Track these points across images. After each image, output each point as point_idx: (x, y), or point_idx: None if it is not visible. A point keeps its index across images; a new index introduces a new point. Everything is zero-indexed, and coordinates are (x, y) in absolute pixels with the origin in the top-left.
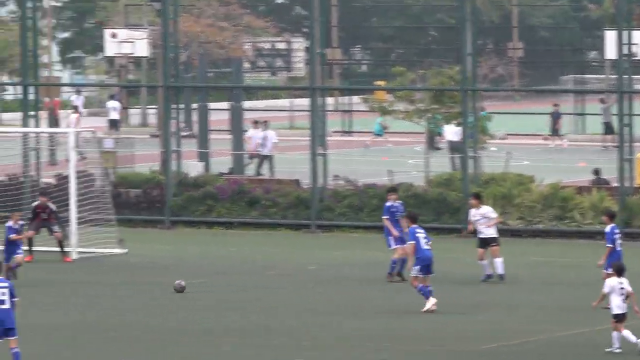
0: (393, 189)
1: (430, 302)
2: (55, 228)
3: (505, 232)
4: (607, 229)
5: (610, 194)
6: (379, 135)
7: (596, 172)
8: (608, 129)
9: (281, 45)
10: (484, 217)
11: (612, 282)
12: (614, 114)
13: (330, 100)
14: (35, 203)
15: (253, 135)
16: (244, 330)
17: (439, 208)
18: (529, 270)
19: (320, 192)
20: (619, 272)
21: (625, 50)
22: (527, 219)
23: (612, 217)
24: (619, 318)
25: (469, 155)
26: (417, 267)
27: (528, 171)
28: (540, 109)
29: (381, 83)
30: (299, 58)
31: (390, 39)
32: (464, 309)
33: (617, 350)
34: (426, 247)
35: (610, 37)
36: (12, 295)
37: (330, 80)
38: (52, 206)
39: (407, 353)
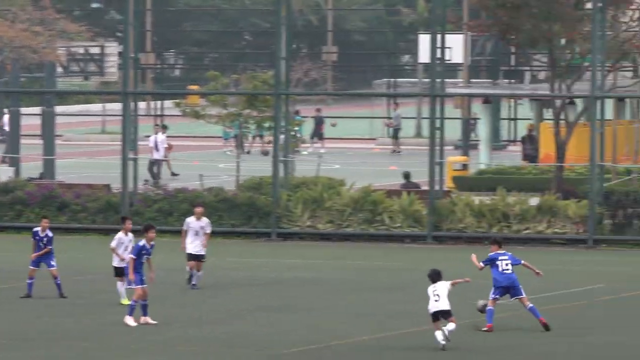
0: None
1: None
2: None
3: (315, 235)
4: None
5: (420, 197)
6: (227, 139)
7: (406, 175)
8: (395, 134)
9: (94, 50)
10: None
11: (429, 288)
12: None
13: (142, 105)
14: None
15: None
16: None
17: (248, 212)
18: (337, 274)
19: (131, 197)
20: (432, 277)
21: (438, 54)
22: (337, 222)
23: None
24: (434, 317)
25: (280, 159)
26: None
27: (339, 175)
28: (353, 112)
29: (194, 87)
30: (112, 62)
31: (204, 43)
32: (272, 311)
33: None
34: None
35: (423, 41)
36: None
37: (143, 85)
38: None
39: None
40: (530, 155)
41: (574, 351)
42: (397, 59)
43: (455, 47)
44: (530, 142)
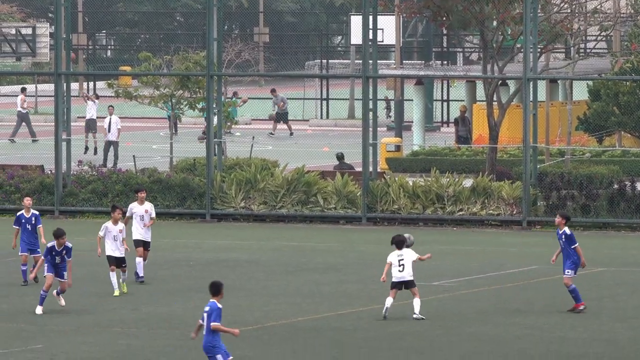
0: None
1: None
2: None
3: (248, 217)
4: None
5: (354, 178)
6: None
7: (340, 157)
8: (280, 117)
9: (26, 31)
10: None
11: (392, 255)
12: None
13: (75, 86)
14: None
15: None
16: None
17: (182, 193)
18: (272, 255)
19: (64, 178)
20: (398, 244)
21: (370, 36)
22: (270, 204)
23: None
24: (393, 286)
25: (215, 140)
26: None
27: (272, 156)
28: (285, 94)
29: (126, 68)
30: (44, 43)
31: (136, 24)
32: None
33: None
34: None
35: (355, 22)
36: None
37: (75, 66)
38: None
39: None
40: (464, 137)
41: (507, 333)
42: (329, 40)
43: (387, 28)
44: (463, 123)
